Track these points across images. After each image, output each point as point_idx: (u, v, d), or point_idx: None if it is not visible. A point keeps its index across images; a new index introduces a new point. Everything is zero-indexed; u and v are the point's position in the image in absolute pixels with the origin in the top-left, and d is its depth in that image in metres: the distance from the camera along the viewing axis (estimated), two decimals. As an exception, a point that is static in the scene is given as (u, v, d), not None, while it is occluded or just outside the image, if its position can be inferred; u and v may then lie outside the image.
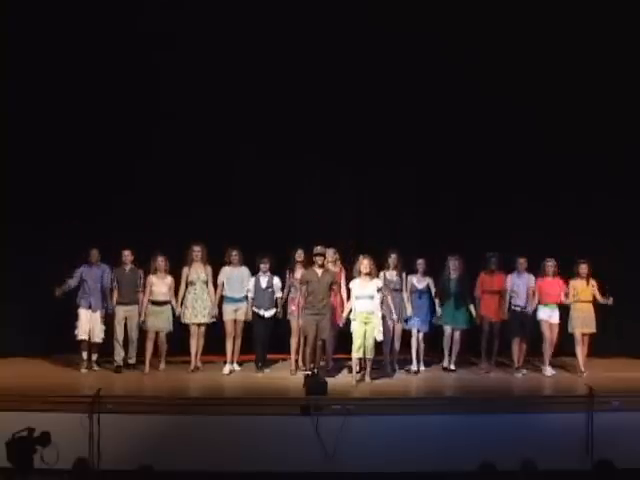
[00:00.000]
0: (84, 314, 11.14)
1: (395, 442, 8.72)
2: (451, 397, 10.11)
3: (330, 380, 10.05)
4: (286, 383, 10.44)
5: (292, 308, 11.21)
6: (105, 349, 11.35)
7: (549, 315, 11.08)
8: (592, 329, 11.10)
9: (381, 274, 10.91)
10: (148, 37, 11.88)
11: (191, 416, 8.96)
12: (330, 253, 10.97)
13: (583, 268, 11.07)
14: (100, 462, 8.48)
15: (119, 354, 11.26)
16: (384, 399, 9.72)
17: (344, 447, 8.65)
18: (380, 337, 10.43)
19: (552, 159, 12.15)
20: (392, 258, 11.05)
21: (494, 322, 11.24)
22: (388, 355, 10.97)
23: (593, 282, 11.09)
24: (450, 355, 11.35)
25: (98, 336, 11.18)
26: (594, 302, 11.10)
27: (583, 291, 11.06)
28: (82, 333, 11.11)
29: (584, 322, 11.05)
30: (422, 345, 11.31)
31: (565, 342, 11.31)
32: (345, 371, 11.13)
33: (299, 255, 11.20)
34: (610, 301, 10.99)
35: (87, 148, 12.03)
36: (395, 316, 10.85)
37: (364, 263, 10.45)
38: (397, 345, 11.14)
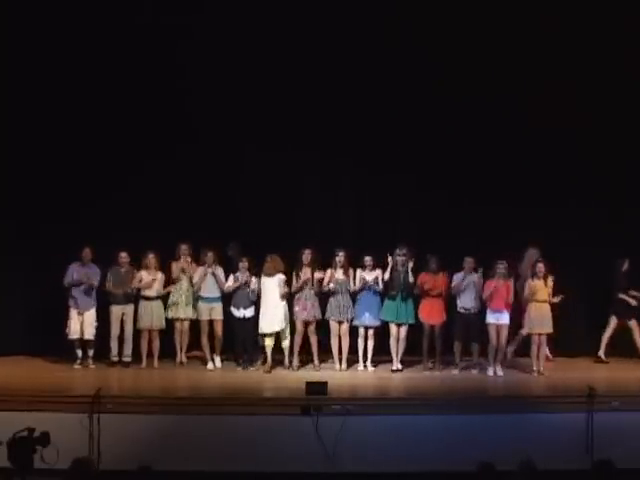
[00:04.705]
0: (73, 313, 11.26)
1: (395, 442, 8.72)
2: (451, 398, 10.07)
3: (331, 379, 10.08)
4: (286, 383, 10.44)
5: (296, 308, 11.30)
6: (101, 347, 11.43)
7: (497, 318, 10.93)
8: (548, 329, 10.99)
9: (328, 272, 11.09)
10: (147, 35, 11.89)
11: (191, 416, 8.97)
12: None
13: (540, 267, 10.90)
14: (100, 462, 8.47)
15: (115, 350, 11.37)
16: (384, 399, 9.74)
17: (344, 447, 8.65)
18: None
19: (558, 161, 12.11)
20: (339, 257, 11.10)
21: (435, 325, 11.15)
22: (337, 354, 11.19)
23: (551, 282, 10.92)
24: (396, 354, 11.20)
25: (90, 333, 11.29)
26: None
27: (539, 291, 10.92)
28: (73, 333, 11.25)
29: (541, 322, 10.94)
30: (371, 342, 11.22)
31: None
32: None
33: (306, 257, 11.25)
34: (558, 299, 10.88)
35: (86, 148, 12.03)
36: (347, 315, 11.04)
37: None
38: (345, 344, 11.22)
